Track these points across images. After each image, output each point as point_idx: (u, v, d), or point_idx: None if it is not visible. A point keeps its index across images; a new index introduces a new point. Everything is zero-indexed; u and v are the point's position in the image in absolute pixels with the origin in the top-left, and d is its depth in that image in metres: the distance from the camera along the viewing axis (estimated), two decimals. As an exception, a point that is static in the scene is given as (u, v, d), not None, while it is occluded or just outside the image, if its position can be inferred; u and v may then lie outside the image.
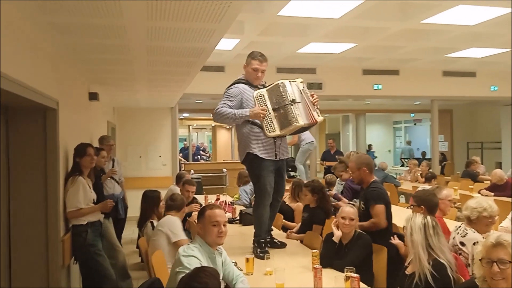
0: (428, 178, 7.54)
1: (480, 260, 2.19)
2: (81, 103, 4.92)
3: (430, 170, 9.25)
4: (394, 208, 4.01)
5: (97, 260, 3.90)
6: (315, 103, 3.55)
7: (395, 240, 3.35)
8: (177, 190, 6.03)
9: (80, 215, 3.83)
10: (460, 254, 3.22)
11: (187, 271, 2.13)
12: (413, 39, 7.39)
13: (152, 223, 4.39)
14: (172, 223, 3.81)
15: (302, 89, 3.53)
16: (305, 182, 8.19)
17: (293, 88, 3.48)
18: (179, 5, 2.72)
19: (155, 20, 3.01)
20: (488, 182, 7.96)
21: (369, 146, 17.02)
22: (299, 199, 5.31)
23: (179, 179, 6.31)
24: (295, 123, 3.40)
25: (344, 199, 5.50)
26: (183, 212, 4.21)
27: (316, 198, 4.54)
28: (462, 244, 3.24)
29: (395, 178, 9.46)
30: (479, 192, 7.10)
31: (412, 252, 2.71)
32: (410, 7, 5.94)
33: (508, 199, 6.17)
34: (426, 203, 3.52)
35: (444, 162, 12.14)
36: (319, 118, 3.53)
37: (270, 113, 3.48)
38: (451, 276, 2.61)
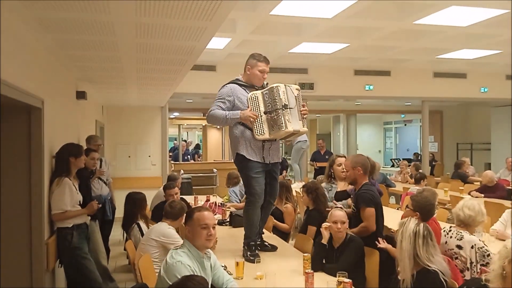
0: (418, 179, 7.53)
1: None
2: (68, 102, 4.81)
3: (420, 171, 9.26)
4: (384, 209, 3.96)
5: (83, 263, 3.80)
6: (304, 114, 3.55)
7: (383, 244, 3.30)
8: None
9: (66, 217, 3.73)
10: (456, 258, 3.18)
11: (175, 279, 2.06)
12: (405, 39, 7.38)
13: (138, 224, 4.30)
14: (167, 234, 3.63)
15: (296, 96, 3.52)
16: (297, 182, 8.21)
17: (288, 93, 3.46)
18: (168, 1, 2.64)
19: (143, 16, 2.92)
20: (478, 183, 7.99)
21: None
22: (287, 201, 5.21)
23: (166, 185, 6.18)
24: (284, 129, 3.38)
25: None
26: (181, 221, 3.86)
27: (311, 199, 4.46)
28: (459, 247, 3.19)
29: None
30: (469, 194, 7.11)
31: (400, 258, 2.67)
32: (403, 7, 5.92)
33: (498, 201, 6.18)
34: (422, 211, 3.45)
35: (433, 163, 12.19)
36: (303, 129, 3.55)
37: (261, 116, 3.46)
38: (443, 281, 2.57)
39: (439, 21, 6.18)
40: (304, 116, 3.56)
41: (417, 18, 6.05)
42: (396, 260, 2.78)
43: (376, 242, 3.36)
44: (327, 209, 4.28)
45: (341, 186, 4.68)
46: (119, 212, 5.96)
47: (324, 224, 3.41)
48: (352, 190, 4.22)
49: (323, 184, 4.90)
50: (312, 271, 2.83)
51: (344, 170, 4.52)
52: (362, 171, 3.82)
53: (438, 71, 10.43)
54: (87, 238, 4.05)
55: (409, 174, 9.34)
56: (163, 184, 6.34)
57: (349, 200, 4.42)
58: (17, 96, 2.84)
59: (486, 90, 10.83)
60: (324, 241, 3.33)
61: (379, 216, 3.75)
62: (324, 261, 3.30)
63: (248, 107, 3.48)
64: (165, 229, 3.69)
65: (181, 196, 5.55)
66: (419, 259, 2.61)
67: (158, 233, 3.63)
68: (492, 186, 7.07)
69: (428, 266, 2.60)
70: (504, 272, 2.07)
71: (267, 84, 3.67)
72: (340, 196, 4.56)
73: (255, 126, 3.46)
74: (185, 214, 3.72)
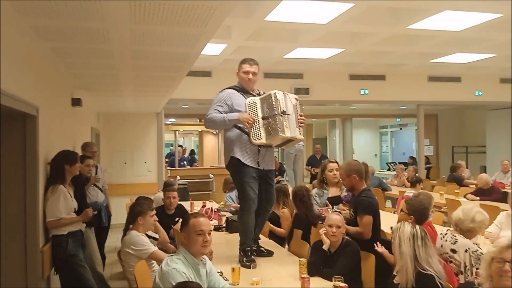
0: (413, 183, 7.56)
1: (492, 259, 2.21)
2: (63, 109, 4.80)
3: (417, 174, 9.30)
4: (380, 213, 3.96)
5: (78, 271, 3.78)
6: (301, 122, 3.58)
7: (380, 248, 3.31)
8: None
9: (61, 225, 3.71)
10: (451, 262, 3.19)
11: (170, 286, 2.05)
12: (399, 44, 7.42)
13: None
14: (134, 242, 3.46)
15: (295, 104, 3.56)
16: (291, 188, 8.21)
17: (286, 100, 3.49)
18: (163, 8, 2.65)
19: (138, 23, 2.93)
20: (474, 186, 8.02)
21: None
22: (284, 206, 5.21)
23: (167, 187, 6.17)
24: (281, 134, 3.40)
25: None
26: (139, 223, 3.62)
27: (295, 203, 4.52)
28: (454, 251, 3.20)
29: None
30: (465, 197, 7.14)
31: (400, 263, 2.67)
32: (397, 13, 5.96)
33: (494, 204, 6.20)
34: (416, 214, 3.46)
35: (428, 165, 12.21)
36: (300, 137, 3.58)
37: (259, 121, 3.48)
38: (439, 284, 2.58)
39: (433, 26, 6.22)
40: (301, 125, 3.59)
41: (411, 23, 6.09)
42: (396, 265, 2.77)
43: (375, 244, 3.37)
44: (315, 212, 4.38)
45: (333, 191, 4.70)
46: (115, 219, 5.96)
47: (323, 230, 3.40)
48: (346, 197, 4.24)
49: (315, 190, 4.92)
50: (308, 276, 2.83)
51: (336, 175, 4.58)
52: (358, 177, 3.82)
53: (432, 75, 10.48)
54: (83, 245, 4.03)
55: (406, 177, 9.36)
56: (159, 190, 6.33)
57: (340, 205, 4.40)
58: (12, 104, 2.84)
59: (480, 93, 10.89)
60: (325, 247, 3.32)
61: (376, 222, 3.75)
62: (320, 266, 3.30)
63: (247, 112, 3.49)
64: (133, 238, 3.51)
65: (178, 202, 5.53)
66: (417, 262, 2.62)
67: (128, 244, 3.49)
68: (487, 189, 7.09)
69: (424, 269, 2.60)
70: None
71: (263, 92, 3.69)
72: (332, 202, 4.54)
73: (252, 131, 3.47)
74: (141, 216, 3.60)
